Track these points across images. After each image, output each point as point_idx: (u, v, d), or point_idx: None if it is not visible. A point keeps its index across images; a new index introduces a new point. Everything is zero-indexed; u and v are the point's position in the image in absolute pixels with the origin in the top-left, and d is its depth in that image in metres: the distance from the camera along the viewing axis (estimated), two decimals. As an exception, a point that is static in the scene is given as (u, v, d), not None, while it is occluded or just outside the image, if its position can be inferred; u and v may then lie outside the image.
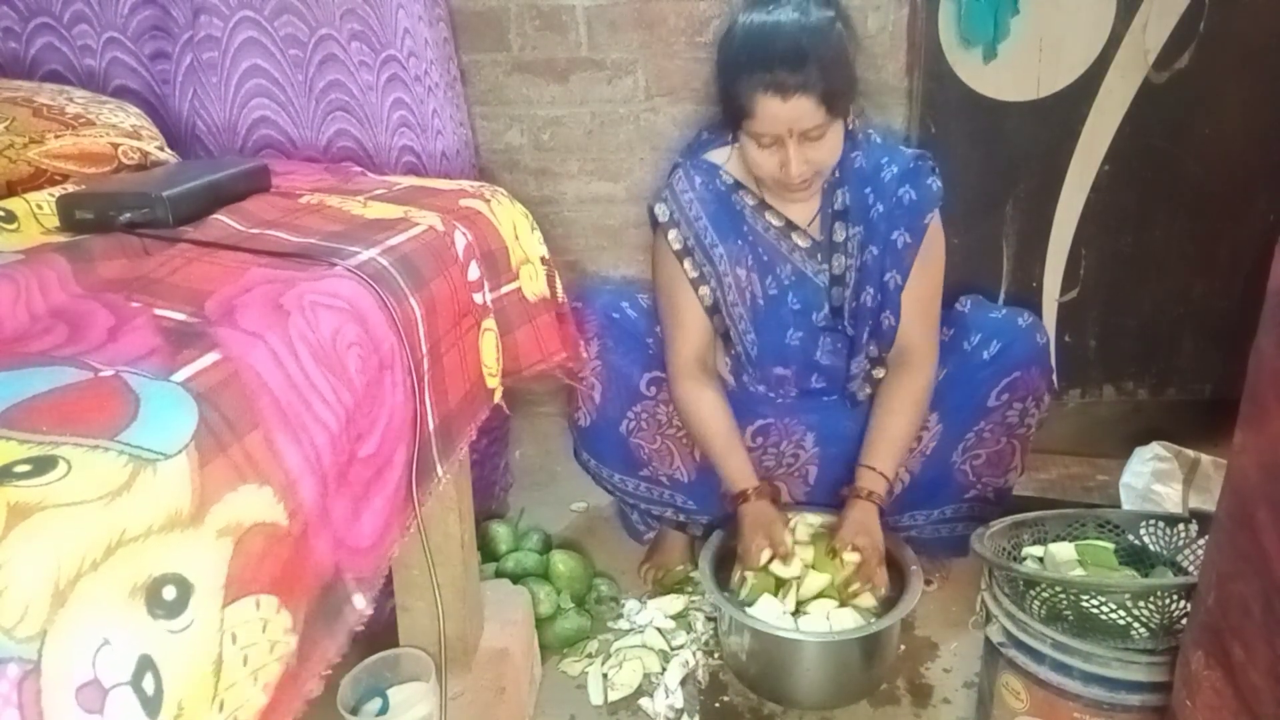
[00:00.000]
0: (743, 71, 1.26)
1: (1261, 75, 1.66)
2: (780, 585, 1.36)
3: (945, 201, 1.41)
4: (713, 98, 1.43)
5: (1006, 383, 1.42)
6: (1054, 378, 1.55)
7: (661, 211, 1.42)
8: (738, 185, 1.43)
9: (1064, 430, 1.93)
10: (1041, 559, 1.20)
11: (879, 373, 1.46)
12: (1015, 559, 1.20)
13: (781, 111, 1.24)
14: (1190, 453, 1.68)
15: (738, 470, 1.41)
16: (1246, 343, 0.71)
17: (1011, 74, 1.69)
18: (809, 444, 1.51)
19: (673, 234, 1.41)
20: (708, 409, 1.42)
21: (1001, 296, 1.87)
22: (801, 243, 1.43)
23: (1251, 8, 1.62)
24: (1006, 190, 1.79)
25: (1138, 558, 1.20)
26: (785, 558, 1.34)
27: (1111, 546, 1.20)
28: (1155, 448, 1.70)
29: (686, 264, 1.41)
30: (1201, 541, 1.16)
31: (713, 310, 1.43)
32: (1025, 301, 1.87)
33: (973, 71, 1.69)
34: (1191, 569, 1.17)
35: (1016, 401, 1.43)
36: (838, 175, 1.41)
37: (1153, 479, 1.65)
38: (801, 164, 1.29)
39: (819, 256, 1.44)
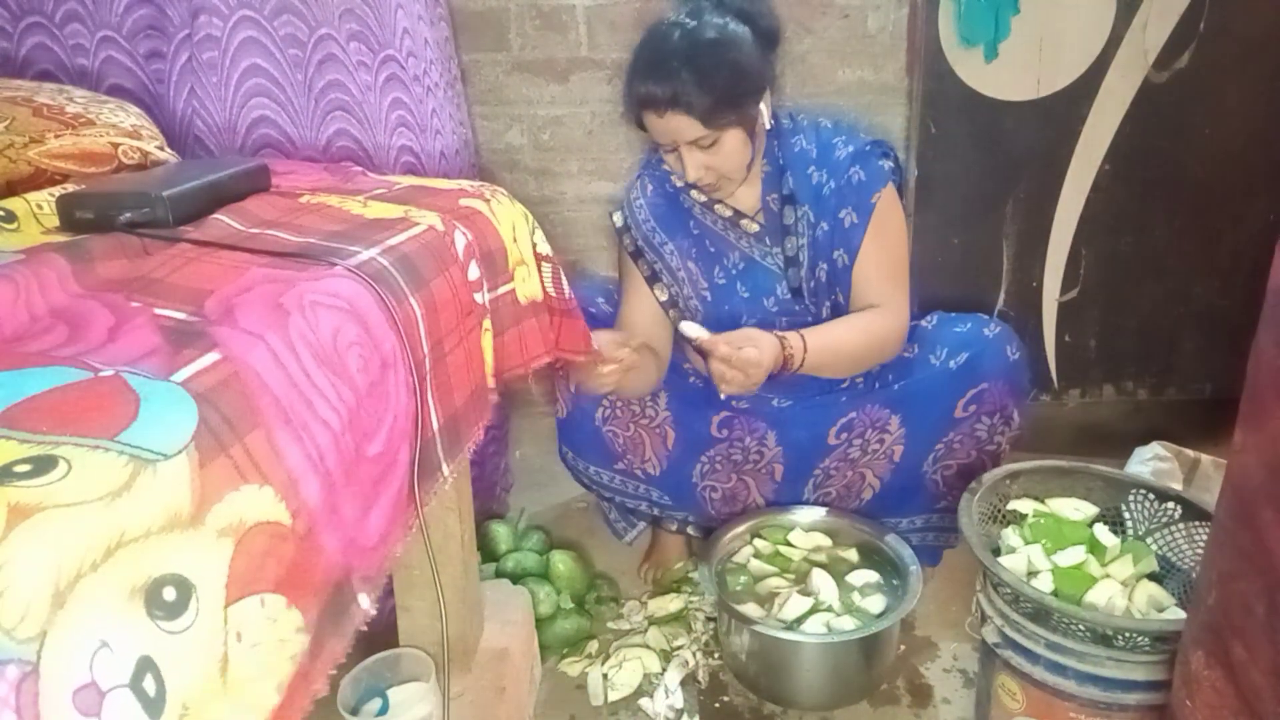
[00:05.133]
0: (628, 83, 1.32)
1: (1261, 75, 1.66)
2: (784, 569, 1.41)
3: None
4: None
5: (974, 394, 1.40)
6: (1036, 389, 1.52)
7: (618, 219, 1.51)
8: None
9: (1064, 430, 1.93)
10: (1026, 515, 1.21)
11: None
12: (1002, 513, 1.23)
13: (659, 125, 1.30)
14: (1190, 453, 1.68)
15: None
16: (1246, 342, 0.71)
17: (1012, 74, 1.69)
18: (770, 442, 1.52)
19: (626, 239, 1.49)
20: None
21: (1001, 296, 1.87)
22: (749, 228, 1.46)
23: (1251, 8, 1.62)
24: (1006, 190, 1.79)
25: (1113, 521, 1.22)
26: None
27: (1094, 512, 1.22)
28: (1155, 447, 1.70)
29: (640, 264, 1.48)
30: (1181, 526, 1.18)
31: (670, 304, 1.49)
32: (1025, 301, 1.88)
33: (973, 71, 1.69)
34: (1163, 551, 1.18)
35: (985, 415, 1.41)
36: (780, 161, 1.44)
37: (1153, 479, 1.65)
38: (697, 169, 1.33)
39: (767, 240, 1.46)
